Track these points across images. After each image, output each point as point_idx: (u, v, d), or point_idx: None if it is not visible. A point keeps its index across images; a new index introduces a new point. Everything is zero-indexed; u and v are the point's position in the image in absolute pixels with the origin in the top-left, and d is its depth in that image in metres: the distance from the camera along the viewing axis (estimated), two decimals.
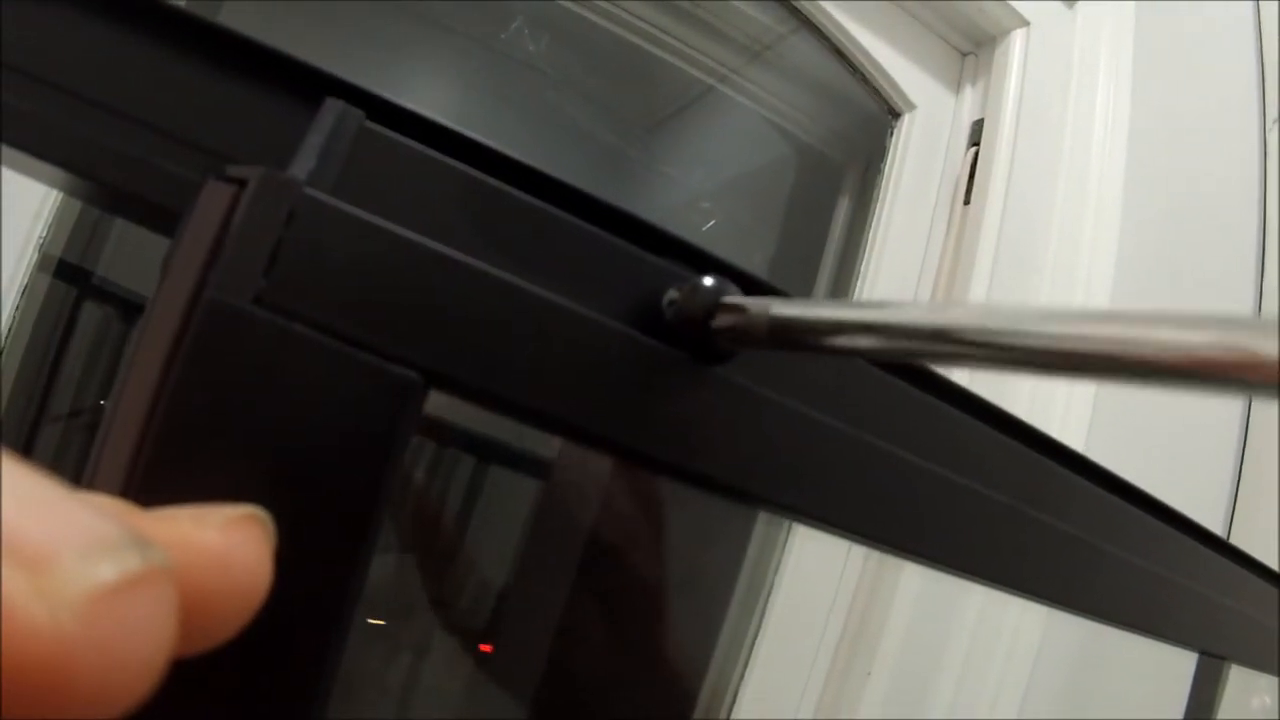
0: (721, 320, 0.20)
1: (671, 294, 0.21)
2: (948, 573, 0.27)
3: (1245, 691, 0.86)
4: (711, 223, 1.29)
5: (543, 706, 0.38)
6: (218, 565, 0.12)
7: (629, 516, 0.35)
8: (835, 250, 1.05)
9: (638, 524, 0.35)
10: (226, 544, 0.13)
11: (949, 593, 0.85)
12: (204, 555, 0.12)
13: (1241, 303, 1.03)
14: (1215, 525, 0.98)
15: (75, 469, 0.15)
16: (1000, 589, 0.29)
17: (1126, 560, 0.33)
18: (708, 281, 0.20)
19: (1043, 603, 0.31)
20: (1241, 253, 1.06)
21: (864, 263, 0.97)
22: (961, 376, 0.26)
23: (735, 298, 0.20)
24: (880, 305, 0.16)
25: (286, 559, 0.14)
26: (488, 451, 0.78)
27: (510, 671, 0.43)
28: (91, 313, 0.82)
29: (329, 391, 0.16)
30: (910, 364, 0.26)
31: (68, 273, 0.77)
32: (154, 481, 0.14)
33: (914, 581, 0.84)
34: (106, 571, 0.10)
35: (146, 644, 0.10)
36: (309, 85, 0.18)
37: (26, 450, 0.75)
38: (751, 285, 0.21)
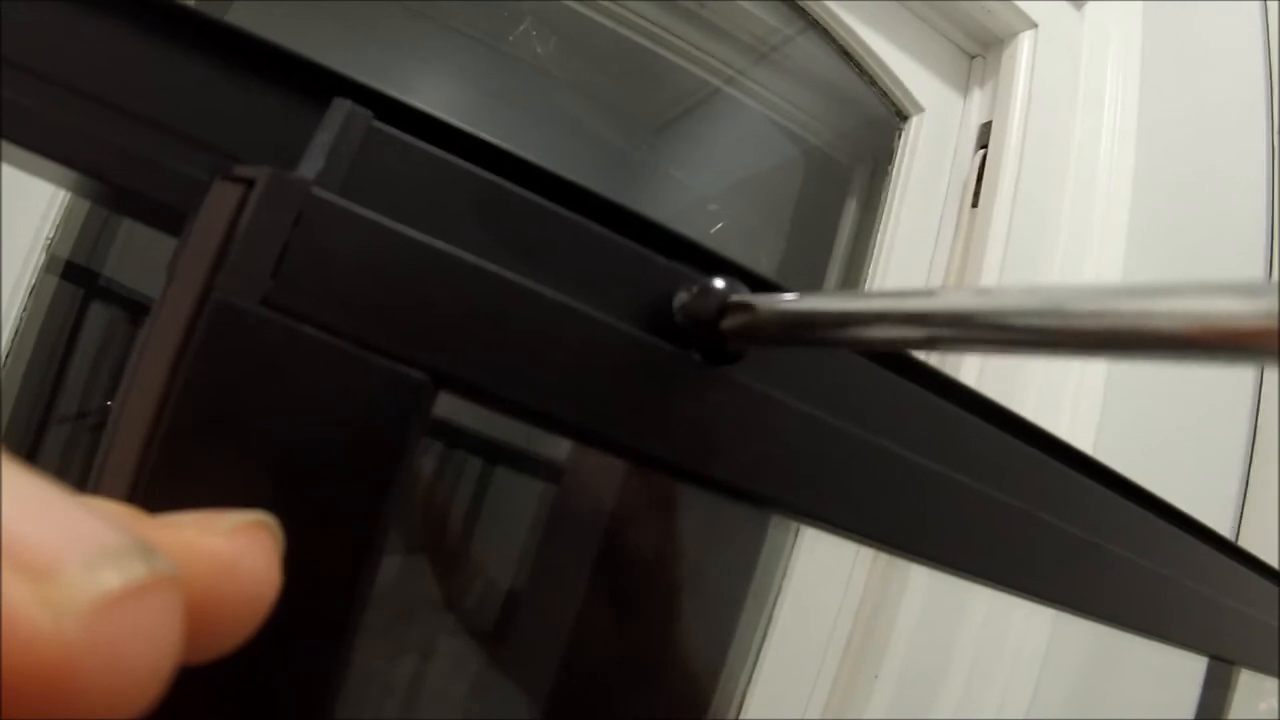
0: (731, 320, 0.20)
1: (681, 295, 0.21)
2: (956, 575, 0.27)
3: (1255, 695, 0.86)
4: (719, 225, 1.29)
5: (554, 710, 0.38)
6: (224, 573, 0.12)
7: (641, 519, 0.35)
8: (843, 253, 1.05)
9: (651, 527, 0.35)
10: (233, 551, 0.12)
11: (956, 596, 0.85)
12: (210, 563, 0.12)
13: None
14: (1223, 528, 0.98)
15: (82, 471, 0.15)
16: (1008, 592, 0.29)
17: (1134, 563, 0.32)
18: (718, 283, 0.20)
19: (1050, 606, 0.30)
20: (1250, 257, 1.06)
21: (872, 265, 0.96)
22: (970, 377, 0.26)
23: (744, 295, 0.20)
24: (886, 295, 0.16)
25: (294, 563, 0.14)
26: (497, 454, 0.77)
27: (522, 675, 0.43)
28: (98, 314, 0.82)
29: (337, 393, 0.16)
30: (916, 358, 0.26)
31: (75, 274, 0.77)
32: (160, 486, 0.14)
33: (921, 584, 0.84)
34: (111, 579, 0.10)
35: (152, 652, 0.10)
36: (317, 84, 0.18)
37: (33, 452, 0.75)
38: (760, 286, 0.21)
